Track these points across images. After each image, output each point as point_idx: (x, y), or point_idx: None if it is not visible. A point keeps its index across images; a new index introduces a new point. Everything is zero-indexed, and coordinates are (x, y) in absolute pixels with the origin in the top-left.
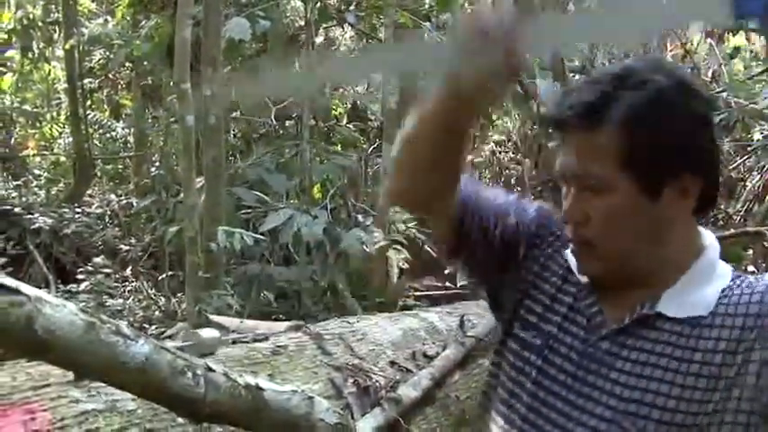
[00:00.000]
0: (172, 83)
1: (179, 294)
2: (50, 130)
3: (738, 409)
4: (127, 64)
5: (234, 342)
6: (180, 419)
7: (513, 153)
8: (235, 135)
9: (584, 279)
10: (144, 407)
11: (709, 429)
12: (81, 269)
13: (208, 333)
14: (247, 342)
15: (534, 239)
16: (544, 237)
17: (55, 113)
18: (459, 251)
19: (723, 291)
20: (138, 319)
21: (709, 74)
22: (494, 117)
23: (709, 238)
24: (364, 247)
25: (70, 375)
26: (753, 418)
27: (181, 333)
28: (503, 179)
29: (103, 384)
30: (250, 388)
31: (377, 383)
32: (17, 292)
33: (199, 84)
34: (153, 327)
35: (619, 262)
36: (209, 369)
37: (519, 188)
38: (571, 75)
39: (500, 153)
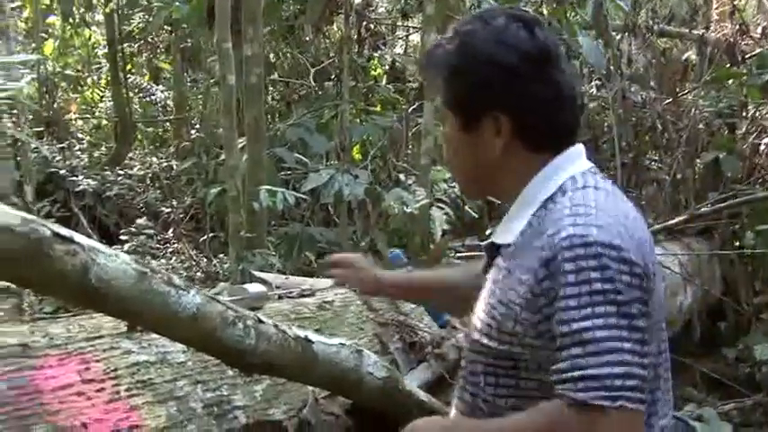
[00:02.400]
0: (212, 43)
1: (220, 255)
2: (92, 94)
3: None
4: (166, 27)
5: (280, 297)
6: (230, 372)
7: None
8: (273, 97)
9: None
10: (194, 359)
11: (522, 357)
12: (124, 231)
13: (254, 288)
14: (294, 297)
15: None
16: None
17: (96, 78)
18: None
19: (530, 219)
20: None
21: (759, 30)
22: None
23: (550, 168)
24: (405, 206)
25: (122, 328)
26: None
27: (224, 292)
28: None
29: (155, 337)
30: (299, 340)
31: (422, 339)
32: (72, 241)
33: (239, 44)
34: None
35: (464, 182)
36: (260, 321)
37: None
38: (614, 33)
39: None
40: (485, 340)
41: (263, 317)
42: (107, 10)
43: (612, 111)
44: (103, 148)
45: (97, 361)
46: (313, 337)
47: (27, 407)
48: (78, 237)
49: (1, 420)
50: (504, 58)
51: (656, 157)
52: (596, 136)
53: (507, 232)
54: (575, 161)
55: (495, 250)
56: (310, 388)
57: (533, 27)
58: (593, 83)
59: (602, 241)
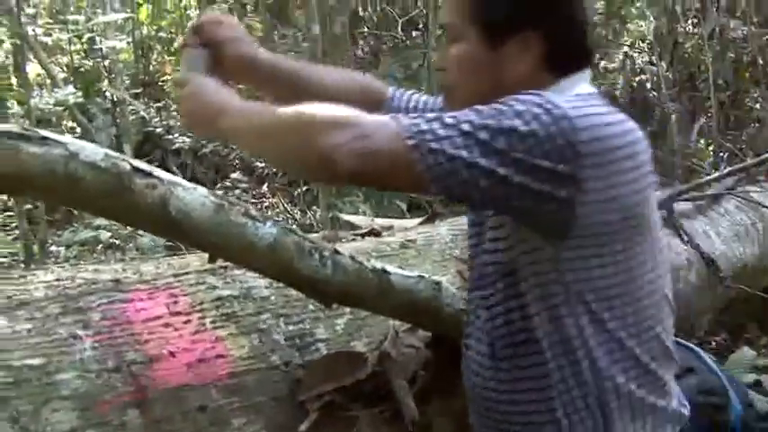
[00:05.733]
0: None
1: (313, 208)
2: None
3: None
4: None
5: (363, 236)
6: (311, 306)
7: (649, 53)
8: (363, 50)
9: None
10: (277, 294)
11: None
12: (219, 186)
13: None
14: (377, 234)
15: None
16: None
17: None
18: None
19: None
20: None
21: None
22: (626, 19)
23: (563, 85)
24: None
25: (208, 265)
26: None
27: None
28: (636, 83)
29: (239, 272)
30: (376, 271)
31: None
32: (151, 175)
33: None
34: None
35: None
36: (336, 252)
37: (655, 92)
38: None
39: (634, 55)
40: None
41: (340, 249)
42: None
43: (708, 47)
44: None
45: (184, 295)
46: (390, 268)
47: (119, 336)
48: (158, 171)
49: (95, 348)
50: None
51: (757, 95)
52: (693, 75)
53: None
54: (580, 83)
55: None
56: (391, 322)
57: None
58: (688, 21)
59: (556, 103)
